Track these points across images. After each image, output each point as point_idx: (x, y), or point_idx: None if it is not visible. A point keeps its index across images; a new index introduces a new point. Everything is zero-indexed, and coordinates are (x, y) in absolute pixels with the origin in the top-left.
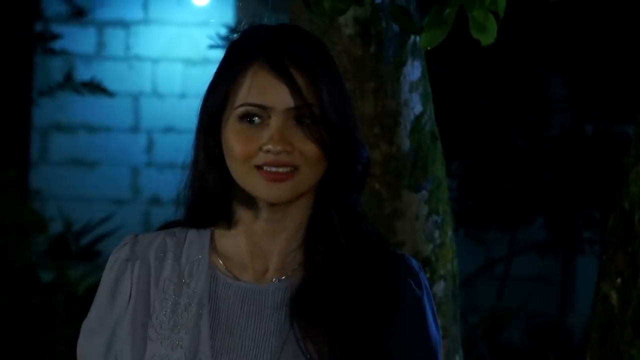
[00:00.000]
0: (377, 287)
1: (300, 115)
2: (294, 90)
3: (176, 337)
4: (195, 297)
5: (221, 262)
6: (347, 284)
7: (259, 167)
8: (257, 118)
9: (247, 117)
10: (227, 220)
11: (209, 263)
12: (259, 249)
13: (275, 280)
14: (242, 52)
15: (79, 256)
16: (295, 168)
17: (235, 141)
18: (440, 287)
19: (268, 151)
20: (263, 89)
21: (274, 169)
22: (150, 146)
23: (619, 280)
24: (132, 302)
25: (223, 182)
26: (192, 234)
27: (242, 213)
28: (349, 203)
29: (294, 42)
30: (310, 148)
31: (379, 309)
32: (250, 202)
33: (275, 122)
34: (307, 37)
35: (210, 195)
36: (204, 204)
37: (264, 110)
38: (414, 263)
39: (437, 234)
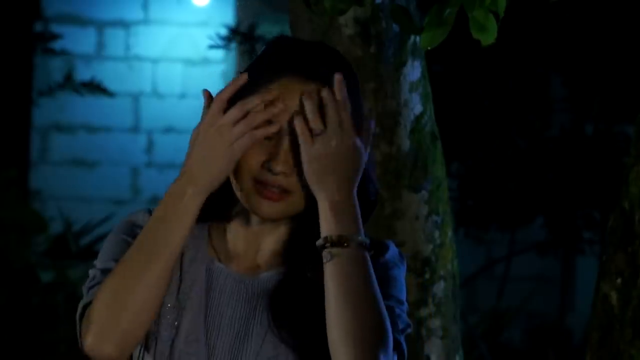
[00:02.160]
0: None
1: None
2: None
3: (171, 318)
4: (192, 282)
5: (216, 254)
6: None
7: (256, 181)
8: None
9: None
10: (223, 218)
11: (206, 253)
12: (252, 244)
13: (265, 273)
14: (273, 64)
15: (78, 256)
16: (288, 192)
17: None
18: (440, 287)
19: (269, 169)
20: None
21: (271, 189)
22: (150, 146)
23: (619, 280)
24: None
25: (224, 183)
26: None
27: (238, 213)
28: None
29: (326, 65)
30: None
31: None
32: (245, 208)
33: (285, 141)
34: (340, 62)
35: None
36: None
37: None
38: (389, 243)
39: (437, 234)
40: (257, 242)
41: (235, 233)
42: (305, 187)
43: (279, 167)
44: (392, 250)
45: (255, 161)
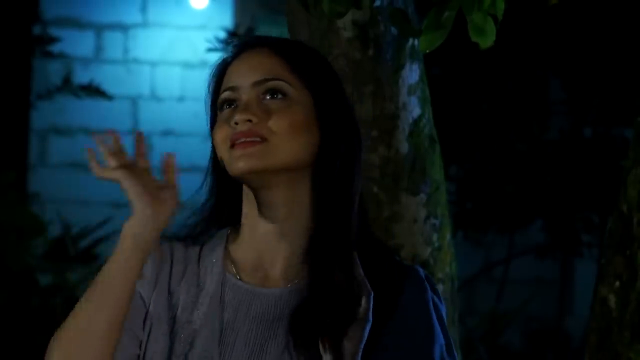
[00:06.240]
0: (380, 305)
1: (272, 90)
2: (258, 64)
3: (186, 335)
4: (207, 298)
5: (232, 266)
6: (348, 298)
7: (233, 146)
8: (233, 102)
9: (225, 104)
10: (238, 227)
11: (222, 267)
12: (265, 255)
13: (281, 286)
14: (224, 61)
15: (77, 259)
16: (264, 139)
17: (217, 128)
18: (438, 290)
19: (236, 124)
20: (235, 73)
21: (242, 139)
22: (148, 149)
23: (617, 283)
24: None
25: (230, 189)
26: (210, 239)
27: (247, 219)
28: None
29: (276, 38)
30: (277, 120)
31: (378, 327)
32: (251, 206)
33: (243, 97)
34: (298, 43)
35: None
36: (218, 210)
37: (236, 92)
38: (421, 272)
39: (435, 237)
40: (270, 250)
41: (247, 243)
42: (279, 135)
43: (243, 115)
44: (429, 288)
45: (226, 127)
